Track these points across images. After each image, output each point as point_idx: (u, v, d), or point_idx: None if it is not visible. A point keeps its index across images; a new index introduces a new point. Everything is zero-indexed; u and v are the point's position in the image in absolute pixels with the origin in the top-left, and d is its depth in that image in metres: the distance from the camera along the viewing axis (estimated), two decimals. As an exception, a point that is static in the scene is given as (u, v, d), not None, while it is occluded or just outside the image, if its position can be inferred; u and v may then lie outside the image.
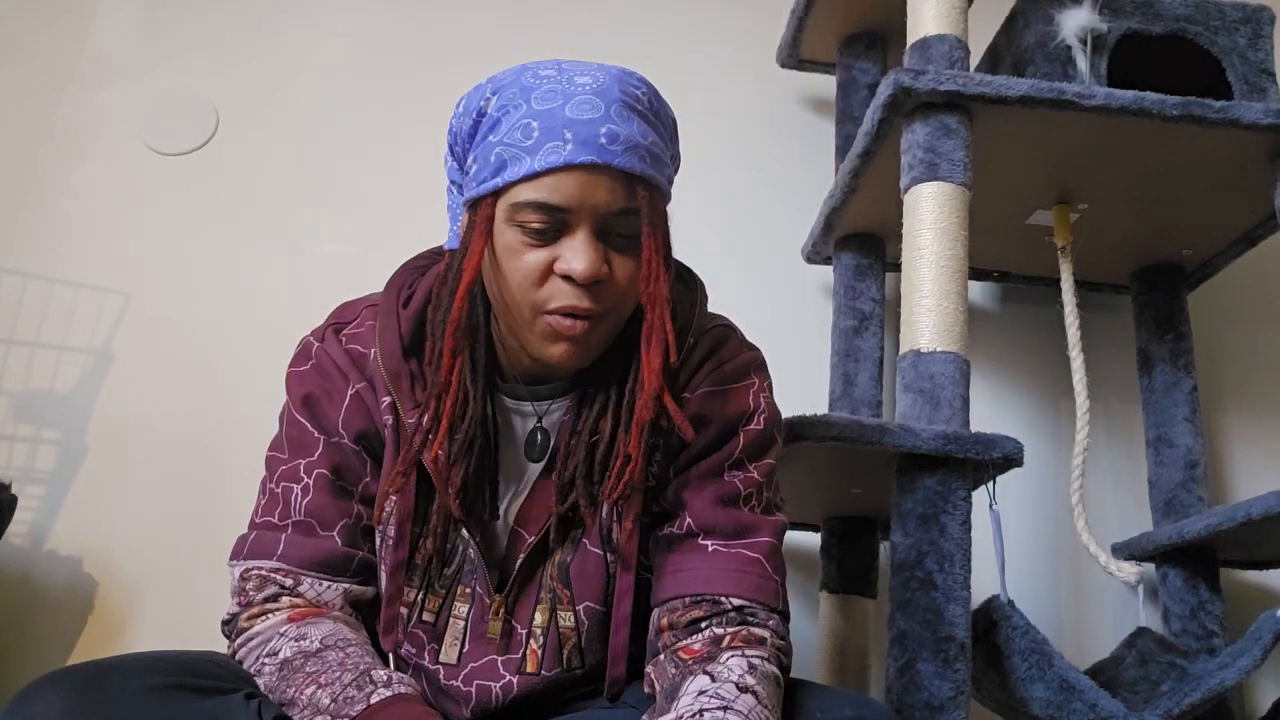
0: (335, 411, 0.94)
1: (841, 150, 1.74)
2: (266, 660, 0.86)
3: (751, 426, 0.95)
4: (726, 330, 1.00)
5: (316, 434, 0.94)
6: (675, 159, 0.93)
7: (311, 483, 0.92)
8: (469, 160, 0.89)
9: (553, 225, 0.84)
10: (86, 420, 1.66)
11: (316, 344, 0.97)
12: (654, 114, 0.89)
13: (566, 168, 0.83)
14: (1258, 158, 1.40)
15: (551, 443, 0.95)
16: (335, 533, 0.92)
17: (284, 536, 0.91)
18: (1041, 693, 1.18)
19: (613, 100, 0.85)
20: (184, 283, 1.75)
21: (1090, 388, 1.52)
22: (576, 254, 0.84)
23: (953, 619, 1.10)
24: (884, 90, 1.31)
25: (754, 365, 0.98)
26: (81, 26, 1.92)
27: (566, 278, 0.84)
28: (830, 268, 1.74)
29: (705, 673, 0.83)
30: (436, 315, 0.90)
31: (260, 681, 0.86)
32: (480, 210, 0.87)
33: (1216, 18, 1.48)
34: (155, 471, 1.64)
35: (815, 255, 1.76)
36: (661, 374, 0.88)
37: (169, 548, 1.59)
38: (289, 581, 0.90)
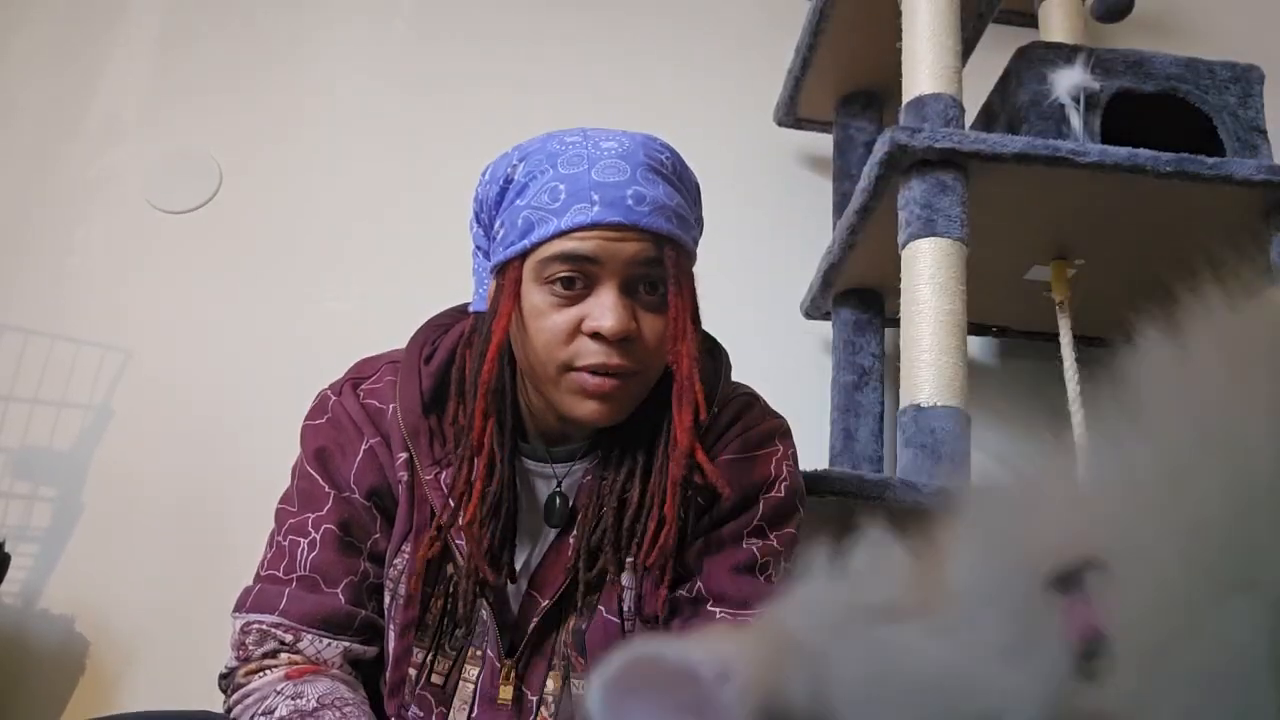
0: (348, 466, 0.93)
1: (839, 207, 1.75)
2: (262, 719, 0.84)
3: (773, 494, 0.95)
4: (750, 398, 1.00)
5: (327, 488, 0.93)
6: (699, 222, 0.94)
7: (319, 537, 0.91)
8: (496, 226, 0.90)
9: (581, 279, 0.85)
10: (84, 477, 1.65)
11: (334, 398, 0.97)
12: (678, 178, 0.89)
13: (594, 226, 0.84)
14: (1251, 213, 1.41)
15: (570, 505, 0.94)
16: (340, 589, 0.90)
17: (287, 591, 0.90)
18: None
19: (638, 164, 0.86)
20: (185, 340, 1.75)
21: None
22: (605, 311, 0.84)
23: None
24: (880, 148, 1.33)
25: (778, 433, 0.98)
26: (88, 84, 1.94)
27: (595, 335, 0.84)
28: (829, 323, 1.74)
29: None
30: (464, 377, 0.91)
31: None
32: (508, 273, 0.87)
33: (1207, 76, 1.50)
34: (151, 529, 1.63)
35: (814, 311, 1.76)
36: (693, 431, 0.87)
37: (163, 607, 1.57)
38: (289, 637, 0.88)
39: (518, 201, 0.87)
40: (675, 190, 0.88)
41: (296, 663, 0.88)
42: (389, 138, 1.94)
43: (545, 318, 0.86)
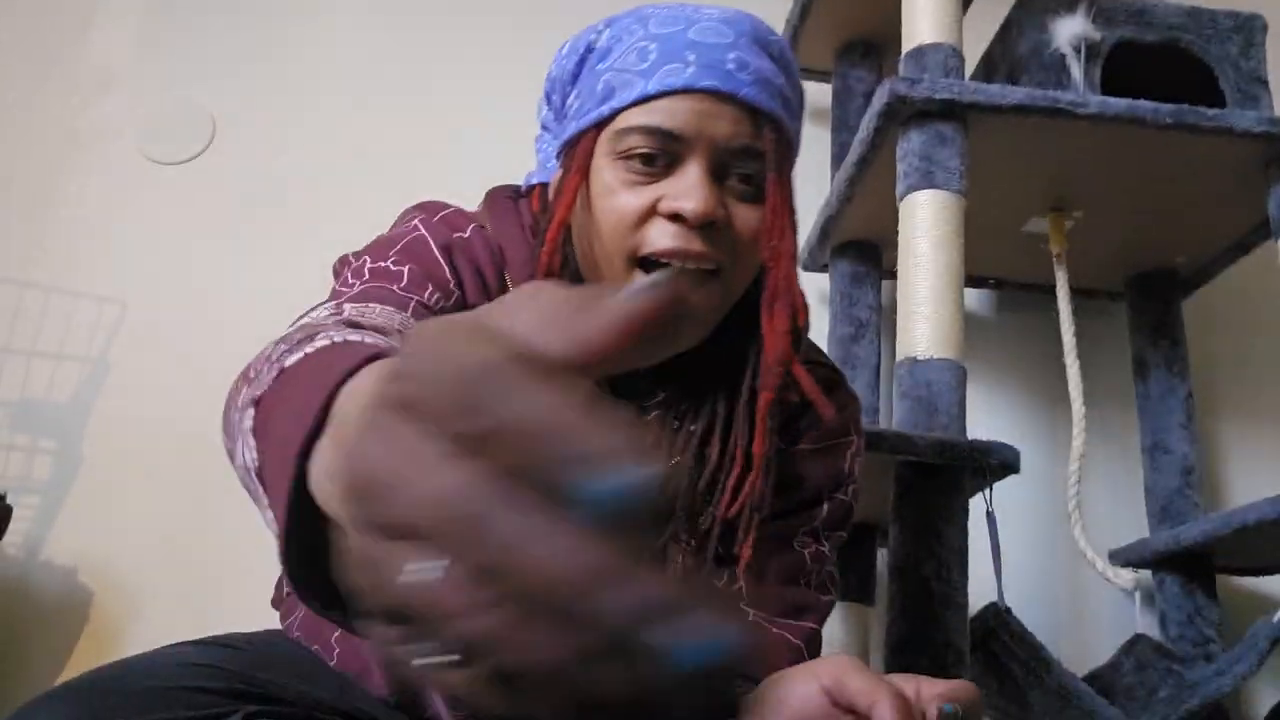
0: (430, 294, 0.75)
1: (837, 158, 1.74)
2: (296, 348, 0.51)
3: (839, 495, 0.85)
4: (834, 372, 0.88)
5: (411, 280, 0.75)
6: (799, 134, 0.81)
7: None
8: (571, 98, 0.79)
9: (663, 157, 0.73)
10: (83, 429, 1.66)
11: (459, 235, 0.80)
12: (786, 66, 0.78)
13: (686, 91, 0.72)
14: (1251, 165, 1.41)
15: None
16: None
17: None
18: (1039, 699, 1.18)
19: (743, 32, 0.75)
20: (181, 291, 1.75)
21: (1086, 394, 1.52)
22: (688, 189, 0.71)
23: (950, 626, 1.10)
24: (879, 99, 1.32)
25: (855, 419, 0.87)
26: (79, 36, 1.92)
27: (674, 217, 0.72)
28: (826, 275, 1.74)
29: None
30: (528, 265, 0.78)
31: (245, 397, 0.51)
32: (579, 146, 0.75)
33: (1209, 26, 1.49)
34: (151, 481, 1.64)
35: (811, 263, 1.76)
36: (790, 340, 0.76)
37: (165, 557, 1.59)
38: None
39: (599, 66, 0.75)
40: (782, 72, 0.76)
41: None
42: (384, 87, 1.92)
43: (615, 196, 0.73)
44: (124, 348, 1.71)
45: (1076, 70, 1.42)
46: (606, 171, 0.74)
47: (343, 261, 0.82)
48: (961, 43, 1.37)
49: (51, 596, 1.57)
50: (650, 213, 0.73)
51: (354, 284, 0.75)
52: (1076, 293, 1.61)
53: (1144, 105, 1.31)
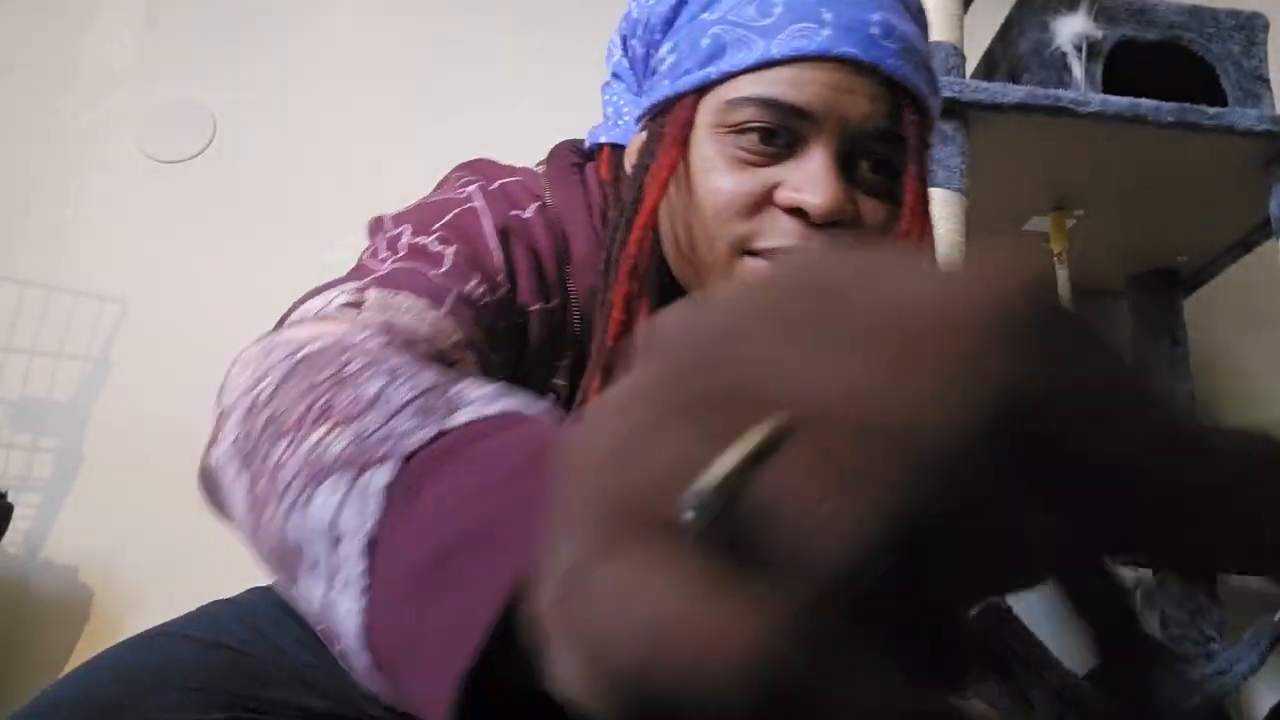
0: (475, 284, 0.63)
1: (838, 157, 1.74)
2: (276, 365, 0.44)
3: None
4: None
5: (455, 266, 0.62)
6: (939, 112, 0.70)
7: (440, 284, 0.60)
8: (663, 50, 0.66)
9: (784, 135, 0.61)
10: (83, 428, 1.66)
11: (517, 214, 0.68)
12: (925, 30, 0.67)
13: (819, 59, 0.60)
14: (1252, 164, 1.40)
15: None
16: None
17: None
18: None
19: None
20: (181, 290, 1.75)
21: (1087, 393, 1.52)
22: (812, 180, 0.60)
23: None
24: (880, 97, 1.31)
25: None
26: (79, 35, 1.91)
27: (794, 211, 0.61)
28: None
29: None
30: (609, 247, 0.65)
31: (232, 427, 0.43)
32: (676, 114, 0.63)
33: (1210, 25, 1.48)
34: (152, 480, 1.63)
35: (812, 262, 1.76)
36: None
37: (166, 556, 1.59)
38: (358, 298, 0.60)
39: (704, 15, 0.63)
40: (924, 37, 0.65)
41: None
42: (385, 85, 1.92)
43: (723, 176, 0.61)
44: (125, 346, 1.71)
45: (1078, 69, 1.41)
46: (710, 145, 0.62)
47: (378, 225, 0.70)
48: (962, 41, 1.37)
49: (52, 596, 1.57)
50: (764, 201, 0.61)
51: (385, 260, 0.63)
52: (1077, 292, 1.61)
53: (1145, 104, 1.31)
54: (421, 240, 0.64)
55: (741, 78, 0.61)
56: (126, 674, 0.65)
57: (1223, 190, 1.47)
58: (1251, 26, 1.49)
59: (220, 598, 0.90)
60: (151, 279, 1.75)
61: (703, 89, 0.63)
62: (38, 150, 1.83)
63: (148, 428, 1.66)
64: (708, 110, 0.63)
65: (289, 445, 0.36)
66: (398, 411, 0.33)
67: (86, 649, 1.55)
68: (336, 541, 0.30)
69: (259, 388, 0.43)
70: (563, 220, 0.69)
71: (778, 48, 0.60)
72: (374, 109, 1.90)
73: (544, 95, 1.84)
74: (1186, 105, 1.32)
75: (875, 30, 0.60)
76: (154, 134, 1.85)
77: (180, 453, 1.67)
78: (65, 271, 1.74)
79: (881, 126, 0.62)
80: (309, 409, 0.37)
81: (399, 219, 0.67)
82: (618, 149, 0.71)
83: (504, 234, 0.66)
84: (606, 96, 0.75)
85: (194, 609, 0.82)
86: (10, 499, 1.41)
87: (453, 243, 0.63)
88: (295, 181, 1.84)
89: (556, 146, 0.76)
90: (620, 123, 0.71)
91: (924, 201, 0.64)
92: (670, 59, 0.65)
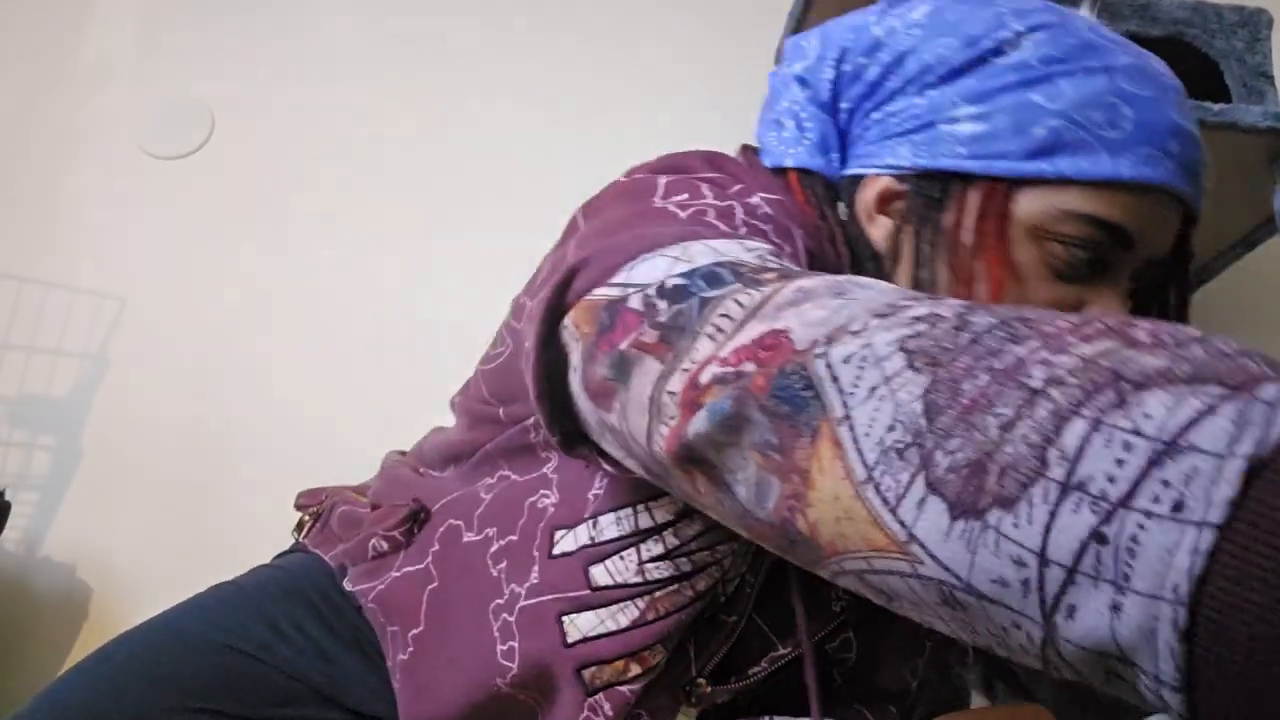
0: None
1: (839, 153, 1.73)
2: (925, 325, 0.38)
3: None
4: None
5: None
6: None
7: None
8: (959, 110, 0.59)
9: (1097, 257, 0.59)
10: (81, 426, 1.65)
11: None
12: None
13: (1158, 190, 0.59)
14: (1256, 161, 1.40)
15: None
16: None
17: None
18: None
19: (1187, 111, 0.62)
20: (180, 287, 1.74)
21: (1089, 391, 1.51)
22: (1117, 312, 0.57)
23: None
24: (883, 93, 1.31)
25: None
26: (76, 30, 1.91)
27: None
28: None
29: None
30: None
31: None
32: (987, 200, 0.58)
33: (1214, 21, 1.48)
34: (151, 477, 1.63)
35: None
36: None
37: (165, 554, 1.58)
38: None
39: (1031, 95, 0.58)
40: None
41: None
42: (384, 81, 1.91)
43: (1043, 285, 0.58)
44: (123, 343, 1.71)
45: (1081, 65, 1.41)
46: (1030, 248, 0.58)
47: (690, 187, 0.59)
48: (965, 37, 1.36)
49: (50, 593, 1.56)
50: None
51: (717, 225, 0.55)
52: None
53: (1149, 100, 1.31)
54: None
55: (1083, 189, 0.58)
56: (128, 688, 0.63)
57: (1226, 187, 1.46)
58: (1256, 23, 1.49)
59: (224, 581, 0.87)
60: (149, 275, 1.75)
61: (1022, 181, 0.59)
62: (35, 146, 1.82)
63: (146, 424, 1.65)
64: (1028, 206, 0.59)
65: (1049, 350, 0.31)
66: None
67: (85, 646, 1.54)
68: (1177, 452, 0.24)
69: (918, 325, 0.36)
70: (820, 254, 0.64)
71: (1127, 169, 0.58)
72: (373, 106, 1.89)
73: (544, 94, 1.84)
74: (1190, 101, 1.31)
75: (1200, 168, 0.61)
76: (152, 130, 1.84)
77: (179, 450, 1.68)
78: (63, 268, 1.73)
79: (1165, 258, 0.62)
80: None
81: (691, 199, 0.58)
82: (813, 180, 0.65)
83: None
84: (783, 98, 0.67)
85: (204, 591, 0.78)
86: (8, 496, 1.41)
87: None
88: (294, 178, 1.83)
89: (749, 157, 0.68)
90: (805, 141, 0.65)
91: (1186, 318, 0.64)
92: (973, 128, 0.59)
